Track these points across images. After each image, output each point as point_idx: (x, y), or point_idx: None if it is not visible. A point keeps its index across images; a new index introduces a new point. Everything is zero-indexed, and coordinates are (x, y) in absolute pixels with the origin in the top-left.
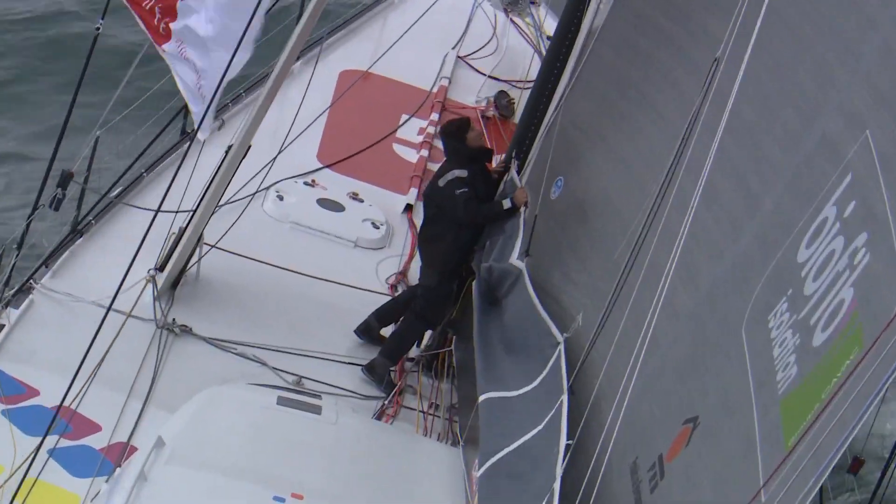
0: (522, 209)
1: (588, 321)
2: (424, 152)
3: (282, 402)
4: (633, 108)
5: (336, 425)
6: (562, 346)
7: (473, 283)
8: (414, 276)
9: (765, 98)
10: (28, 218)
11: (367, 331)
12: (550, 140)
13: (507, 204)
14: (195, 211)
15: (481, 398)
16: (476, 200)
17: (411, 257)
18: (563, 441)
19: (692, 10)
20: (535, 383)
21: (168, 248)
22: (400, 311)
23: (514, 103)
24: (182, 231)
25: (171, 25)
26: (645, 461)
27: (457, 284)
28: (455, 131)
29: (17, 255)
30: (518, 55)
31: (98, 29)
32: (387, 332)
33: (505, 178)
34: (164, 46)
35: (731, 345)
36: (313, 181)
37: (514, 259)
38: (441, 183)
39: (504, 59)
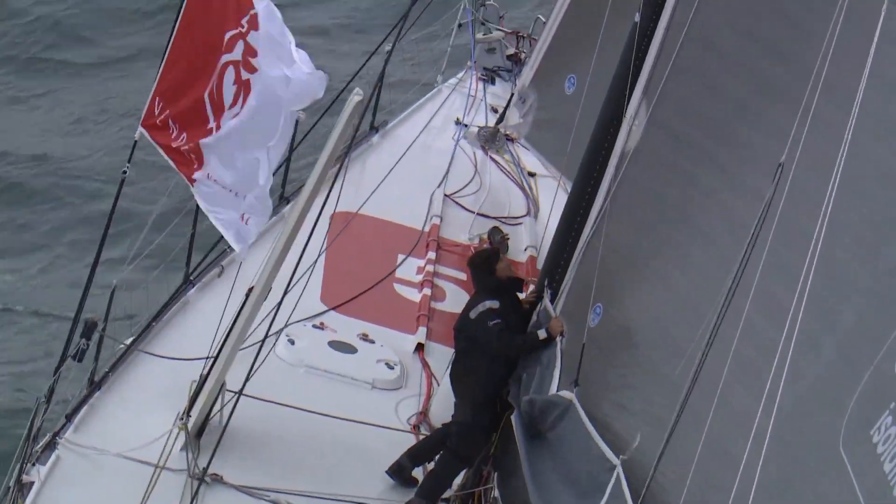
0: (559, 339)
1: (648, 445)
2: (427, 290)
3: None
4: (675, 231)
5: None
6: (619, 470)
7: (512, 416)
8: (435, 415)
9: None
10: (56, 372)
11: (399, 471)
12: (586, 267)
13: (542, 334)
14: (216, 357)
15: None
16: (509, 331)
17: (429, 396)
18: None
19: (736, 129)
20: None
21: (191, 396)
22: (433, 450)
23: (507, 239)
24: (204, 378)
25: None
26: None
27: (491, 419)
28: (483, 263)
29: (46, 410)
30: (501, 191)
31: (125, 173)
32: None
33: (538, 307)
34: (196, 176)
35: (829, 464)
36: (322, 324)
37: (558, 389)
38: (472, 315)
39: (489, 196)
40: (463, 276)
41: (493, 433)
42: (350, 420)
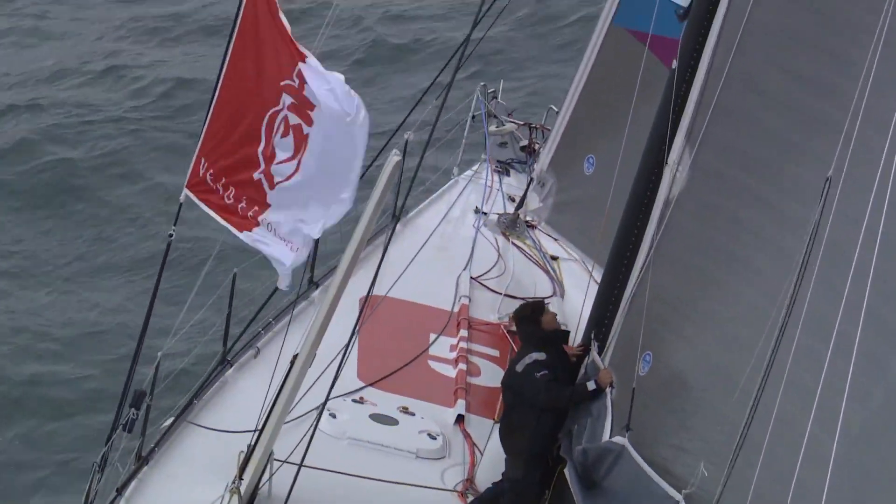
0: (609, 390)
1: (709, 481)
2: (463, 366)
3: None
4: (722, 271)
5: None
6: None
7: (565, 470)
8: (481, 482)
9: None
10: (108, 441)
11: None
12: (633, 317)
13: (591, 386)
14: (263, 427)
15: None
16: (557, 383)
17: (473, 464)
18: None
19: (780, 164)
20: None
21: (240, 466)
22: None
23: None
24: (252, 448)
25: (260, 218)
26: None
27: (542, 473)
28: (530, 315)
29: (100, 480)
30: (525, 274)
31: (171, 236)
32: None
33: (585, 360)
34: (248, 233)
35: None
36: (361, 398)
37: (610, 436)
38: (519, 368)
39: (514, 279)
40: (496, 353)
41: (546, 489)
42: (399, 483)
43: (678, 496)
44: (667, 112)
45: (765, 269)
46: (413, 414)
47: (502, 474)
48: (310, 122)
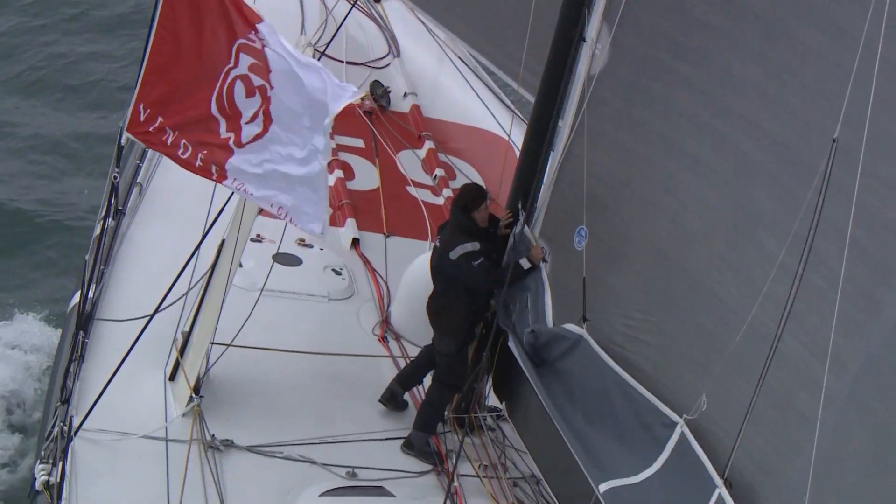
0: (542, 265)
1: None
2: (339, 172)
3: None
4: (657, 154)
5: None
6: (684, 429)
7: (508, 343)
8: (396, 320)
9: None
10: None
11: (391, 398)
12: (562, 189)
13: (525, 264)
14: (198, 312)
15: (603, 489)
16: (494, 267)
17: (382, 298)
18: None
19: (712, 52)
20: (658, 466)
21: (178, 356)
22: (420, 372)
23: (389, 91)
24: (188, 335)
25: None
26: None
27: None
28: (468, 205)
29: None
30: (356, 28)
31: (116, 178)
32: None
33: (514, 230)
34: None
35: None
36: (258, 236)
37: (557, 320)
38: (453, 256)
39: (349, 40)
40: (361, 143)
41: (483, 353)
42: (328, 354)
43: (676, 419)
44: None
45: (706, 158)
46: (311, 246)
47: (434, 345)
48: (272, 85)
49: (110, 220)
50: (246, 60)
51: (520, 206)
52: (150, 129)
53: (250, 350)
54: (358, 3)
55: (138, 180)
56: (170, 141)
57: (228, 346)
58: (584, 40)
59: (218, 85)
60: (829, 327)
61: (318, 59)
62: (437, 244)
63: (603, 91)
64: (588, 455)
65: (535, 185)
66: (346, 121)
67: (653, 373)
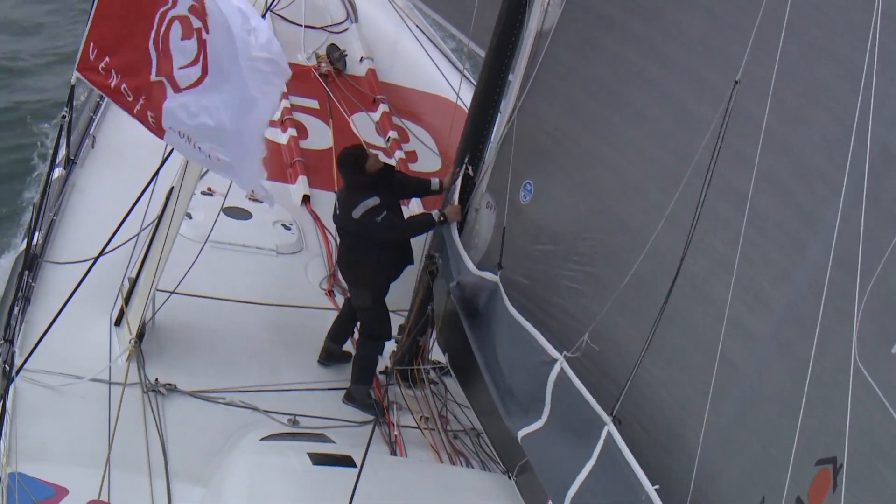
0: (453, 224)
1: (610, 338)
2: (292, 131)
3: (317, 461)
4: (605, 108)
5: (377, 477)
6: (562, 364)
7: (451, 296)
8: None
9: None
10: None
11: (330, 356)
12: (510, 145)
13: (436, 216)
14: (144, 258)
15: (520, 436)
16: (398, 218)
17: (330, 254)
18: (648, 485)
19: (662, 9)
20: (548, 407)
21: (123, 302)
22: (348, 325)
23: (346, 55)
24: (135, 281)
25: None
26: (779, 502)
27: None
28: (354, 164)
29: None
30: None
31: (64, 117)
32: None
33: (450, 184)
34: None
35: (849, 381)
36: (209, 189)
37: (478, 270)
38: (356, 214)
39: (307, 4)
40: (315, 104)
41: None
42: (273, 305)
43: (556, 355)
44: None
45: (650, 112)
46: (260, 201)
47: (351, 299)
48: (207, 28)
49: (60, 166)
50: (185, 1)
51: (465, 160)
52: (99, 68)
53: (196, 299)
54: None
55: (91, 132)
56: (113, 84)
57: (172, 292)
58: None
59: (154, 26)
60: (758, 274)
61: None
62: (336, 205)
63: (555, 47)
64: (503, 403)
65: (483, 141)
66: (301, 82)
67: (587, 320)
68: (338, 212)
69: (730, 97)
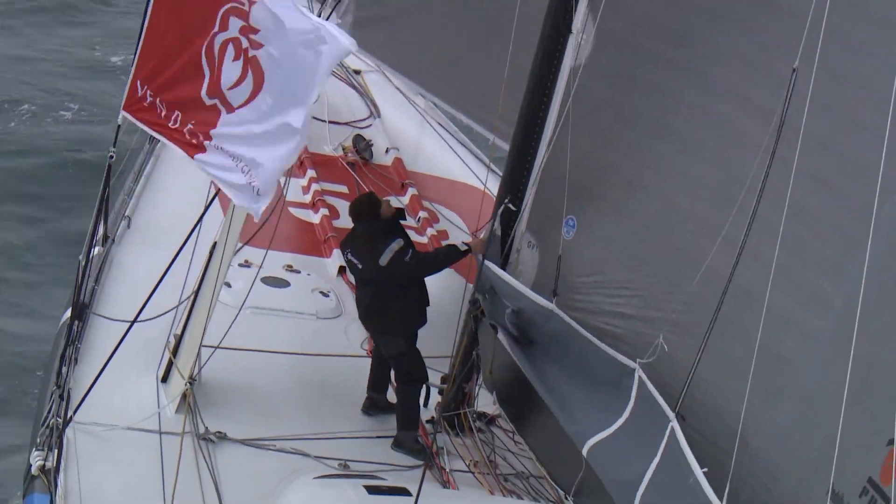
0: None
1: (680, 345)
2: (324, 210)
3: (373, 491)
4: (644, 137)
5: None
6: (639, 372)
7: (499, 335)
8: None
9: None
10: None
11: (373, 405)
12: (548, 183)
13: (462, 246)
14: (189, 315)
15: (587, 446)
16: (423, 255)
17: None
18: (698, 470)
19: (697, 31)
20: (627, 414)
21: (171, 355)
22: (384, 373)
23: (372, 145)
24: (180, 337)
25: (212, 132)
26: (849, 487)
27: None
28: (370, 211)
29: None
30: (337, 95)
31: (112, 157)
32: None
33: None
34: (198, 157)
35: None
36: (246, 261)
37: (535, 294)
38: (384, 261)
39: (329, 104)
40: (345, 189)
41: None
42: (317, 355)
43: (633, 364)
44: None
45: (692, 134)
46: (298, 271)
47: (383, 351)
48: (256, 45)
49: (98, 245)
50: (237, 23)
51: (506, 200)
52: (146, 104)
53: (238, 356)
54: (338, 72)
55: (126, 213)
56: (163, 114)
57: (216, 347)
58: (571, 31)
59: (204, 52)
60: (812, 273)
61: None
62: (354, 260)
63: (587, 80)
64: (569, 418)
65: (524, 180)
66: (329, 169)
67: (639, 343)
68: (359, 265)
69: (789, 86)
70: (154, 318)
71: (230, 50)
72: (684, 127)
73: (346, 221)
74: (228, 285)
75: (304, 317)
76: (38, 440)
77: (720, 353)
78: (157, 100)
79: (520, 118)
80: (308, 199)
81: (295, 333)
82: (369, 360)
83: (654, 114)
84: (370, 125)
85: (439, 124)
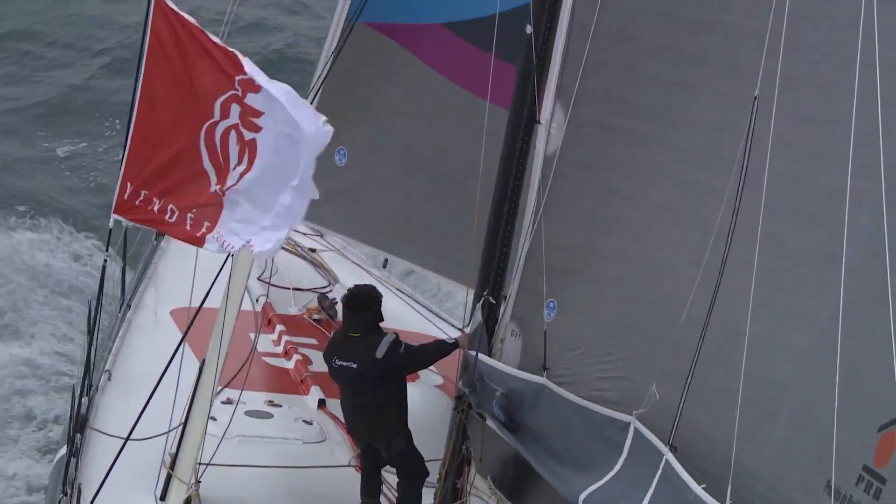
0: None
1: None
2: (297, 356)
3: None
4: (623, 210)
5: None
6: (636, 423)
7: (488, 422)
8: None
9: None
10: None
11: None
12: (528, 269)
13: (450, 340)
14: (182, 437)
15: (581, 498)
16: (414, 348)
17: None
18: (696, 487)
19: (668, 103)
20: (620, 464)
21: (168, 472)
22: (376, 479)
23: (336, 303)
24: (175, 458)
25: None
26: (846, 478)
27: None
28: (372, 303)
29: None
30: (296, 268)
31: (105, 260)
32: None
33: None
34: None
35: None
36: (228, 399)
37: (522, 373)
38: (380, 354)
39: (290, 275)
40: (315, 342)
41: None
42: (307, 467)
43: (628, 419)
44: (528, 74)
45: (670, 201)
46: (280, 405)
47: (385, 453)
48: (255, 129)
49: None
50: (236, 110)
51: (486, 293)
52: (137, 202)
53: (231, 473)
54: (294, 249)
55: (105, 368)
56: (156, 209)
57: (209, 464)
58: (539, 122)
59: (202, 141)
60: (796, 297)
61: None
62: (344, 363)
63: (562, 167)
64: (563, 483)
65: (501, 272)
66: (297, 327)
67: (629, 402)
68: (353, 365)
69: (752, 112)
70: (149, 438)
71: (233, 136)
72: (661, 196)
73: (318, 367)
74: (214, 419)
75: (290, 441)
76: None
77: (712, 388)
78: (152, 195)
79: (492, 210)
80: (280, 349)
81: (282, 456)
82: (358, 471)
83: (632, 189)
84: (331, 290)
85: (398, 290)
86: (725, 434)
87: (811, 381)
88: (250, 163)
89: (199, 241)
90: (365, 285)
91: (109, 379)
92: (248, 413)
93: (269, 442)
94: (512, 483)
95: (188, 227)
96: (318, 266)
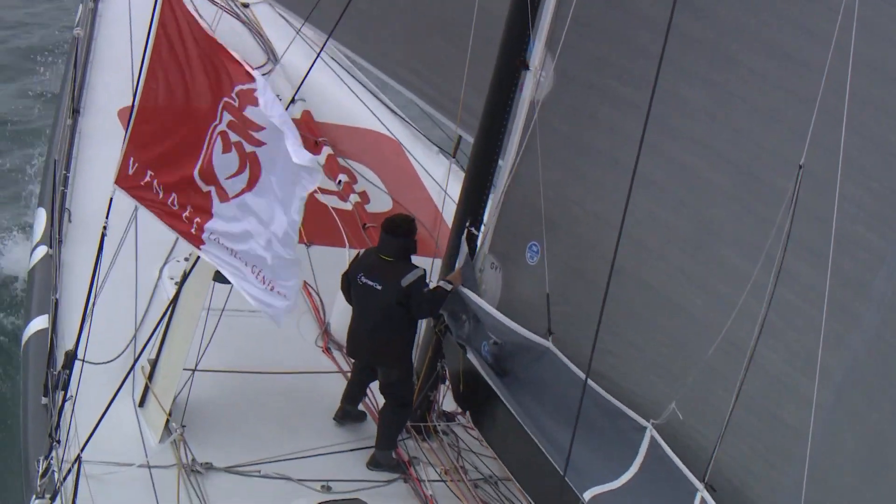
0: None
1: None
2: None
3: None
4: (607, 174)
5: None
6: (652, 432)
7: (470, 357)
8: (336, 331)
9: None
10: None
11: (346, 416)
12: (511, 209)
13: (448, 287)
14: (163, 341)
15: (587, 497)
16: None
17: (318, 309)
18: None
19: (653, 76)
20: (635, 469)
21: (147, 381)
22: (363, 385)
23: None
24: (155, 362)
25: (205, 226)
26: None
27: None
28: (407, 232)
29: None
30: (231, 35)
31: (105, 229)
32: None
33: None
34: (203, 248)
35: None
36: (186, 258)
37: (530, 334)
38: (405, 283)
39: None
40: None
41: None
42: (282, 373)
43: (644, 423)
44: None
45: (657, 178)
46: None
47: (388, 380)
48: (255, 142)
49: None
50: (227, 117)
51: (467, 224)
52: (141, 183)
53: (208, 373)
54: (226, 6)
55: (67, 206)
56: (159, 197)
57: (194, 370)
58: (528, 69)
59: (206, 141)
60: (808, 340)
61: None
62: (370, 283)
63: (549, 116)
64: (548, 441)
65: (482, 203)
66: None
67: (623, 382)
68: (377, 287)
69: (796, 182)
70: (118, 355)
71: (218, 142)
72: (648, 170)
73: None
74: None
75: (257, 315)
76: (39, 489)
77: (713, 407)
78: (153, 182)
79: (476, 143)
80: None
81: (252, 338)
82: (332, 370)
83: (618, 154)
84: (270, 71)
85: (333, 59)
86: (738, 463)
87: (828, 441)
88: (252, 177)
89: (197, 242)
90: (405, 215)
91: (70, 220)
92: (216, 277)
93: (234, 316)
94: (491, 427)
95: (185, 223)
96: (254, 32)
